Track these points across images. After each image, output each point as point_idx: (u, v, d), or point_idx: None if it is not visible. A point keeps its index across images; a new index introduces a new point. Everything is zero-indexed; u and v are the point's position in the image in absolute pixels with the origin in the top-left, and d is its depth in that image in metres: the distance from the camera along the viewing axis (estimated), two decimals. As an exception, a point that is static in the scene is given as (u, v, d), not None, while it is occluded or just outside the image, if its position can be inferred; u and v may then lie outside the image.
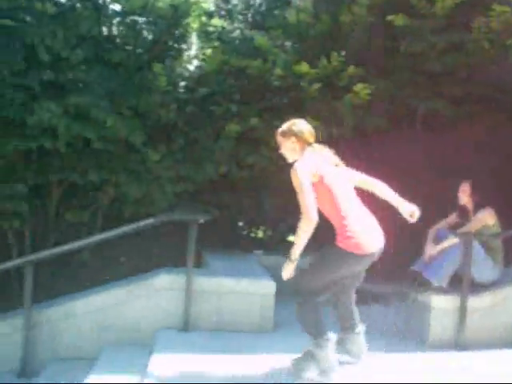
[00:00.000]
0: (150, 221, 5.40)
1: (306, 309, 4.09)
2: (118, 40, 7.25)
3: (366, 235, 3.99)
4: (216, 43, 7.45)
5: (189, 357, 4.58)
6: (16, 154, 6.70)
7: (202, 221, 5.37)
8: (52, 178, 6.92)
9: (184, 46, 7.48)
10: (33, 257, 5.57)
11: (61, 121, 6.27)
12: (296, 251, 3.93)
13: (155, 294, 5.44)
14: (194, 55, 7.51)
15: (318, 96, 6.52)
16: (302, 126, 4.16)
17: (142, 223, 5.46)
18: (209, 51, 7.21)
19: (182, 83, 7.20)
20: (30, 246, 7.27)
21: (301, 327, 4.15)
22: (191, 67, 7.27)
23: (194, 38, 7.64)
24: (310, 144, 4.13)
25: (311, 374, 4.11)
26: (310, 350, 4.10)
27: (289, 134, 4.12)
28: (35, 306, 5.56)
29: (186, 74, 7.17)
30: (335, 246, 3.95)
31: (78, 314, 5.53)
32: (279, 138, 4.18)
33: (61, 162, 6.86)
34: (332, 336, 4.11)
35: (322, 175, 3.97)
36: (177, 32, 7.33)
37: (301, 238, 3.86)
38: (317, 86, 6.39)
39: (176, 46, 7.36)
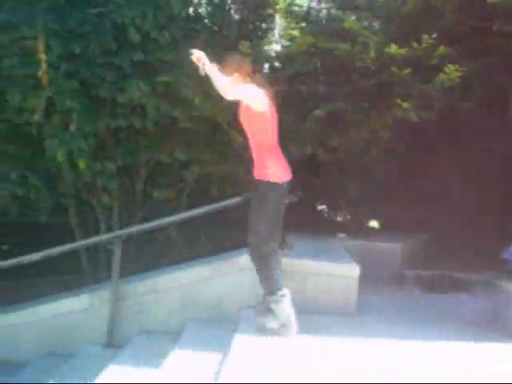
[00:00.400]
0: (237, 200, 5.43)
1: (262, 266, 4.46)
2: (205, 20, 7.29)
3: (281, 165, 4.46)
4: (302, 23, 7.37)
5: (271, 337, 4.58)
6: (106, 132, 6.88)
7: (286, 201, 5.36)
8: (141, 158, 7.07)
9: (271, 26, 7.44)
10: (121, 232, 5.72)
11: (150, 99, 6.38)
12: (210, 72, 4.25)
13: (239, 273, 5.49)
14: (280, 35, 7.45)
15: (408, 79, 6.37)
16: (240, 60, 4.55)
17: (228, 202, 5.50)
18: (295, 32, 7.14)
19: (269, 63, 7.17)
20: (117, 222, 7.48)
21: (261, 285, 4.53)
22: (277, 47, 7.22)
23: (279, 18, 7.58)
24: (249, 75, 4.45)
25: (273, 326, 4.44)
26: (268, 306, 4.43)
27: (232, 70, 4.40)
28: (122, 279, 5.71)
29: (273, 54, 7.13)
30: (261, 183, 4.36)
31: (163, 289, 5.65)
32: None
33: (149, 141, 7.00)
34: (286, 292, 4.46)
35: (265, 105, 4.33)
36: (264, 12, 7.30)
37: (216, 82, 4.23)
38: (407, 70, 6.24)
39: (263, 26, 7.33)
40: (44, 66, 6.20)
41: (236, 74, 4.41)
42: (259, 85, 4.43)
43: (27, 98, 6.58)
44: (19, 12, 6.63)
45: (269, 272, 4.48)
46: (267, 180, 4.35)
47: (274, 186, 4.36)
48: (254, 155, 4.49)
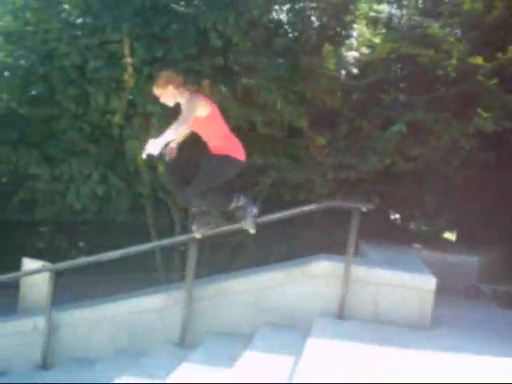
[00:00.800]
0: (313, 206, 5.39)
1: (213, 196, 5.06)
2: (285, 26, 7.31)
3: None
4: (383, 29, 7.28)
5: (343, 345, 4.55)
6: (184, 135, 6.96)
7: (364, 209, 5.31)
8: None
9: (351, 33, 7.38)
10: (197, 235, 5.78)
11: (231, 104, 6.42)
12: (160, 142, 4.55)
13: (312, 280, 5.46)
14: (360, 41, 7.37)
15: (493, 88, 6.21)
16: (169, 74, 4.97)
17: (305, 208, 5.47)
18: (376, 38, 7.05)
19: (348, 70, 7.11)
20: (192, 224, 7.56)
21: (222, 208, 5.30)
22: (357, 54, 7.15)
23: (361, 24, 7.50)
24: (183, 85, 4.94)
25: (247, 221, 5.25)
26: (237, 208, 5.22)
27: (164, 84, 4.86)
28: (195, 280, 5.75)
29: (352, 61, 7.07)
30: (229, 158, 5.03)
31: (236, 292, 5.68)
32: (158, 92, 4.91)
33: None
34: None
35: (211, 106, 4.90)
36: (345, 18, 7.25)
37: (173, 134, 4.65)
38: (494, 81, 6.08)
39: (344, 32, 7.28)
40: (130, 69, 6.34)
41: (170, 87, 4.86)
42: (193, 91, 4.95)
43: (110, 101, 6.75)
44: (105, 16, 6.82)
45: (219, 196, 5.17)
46: (235, 157, 5.07)
47: (239, 162, 5.11)
48: (219, 143, 5.07)
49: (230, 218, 5.40)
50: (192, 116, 4.73)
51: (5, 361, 6.23)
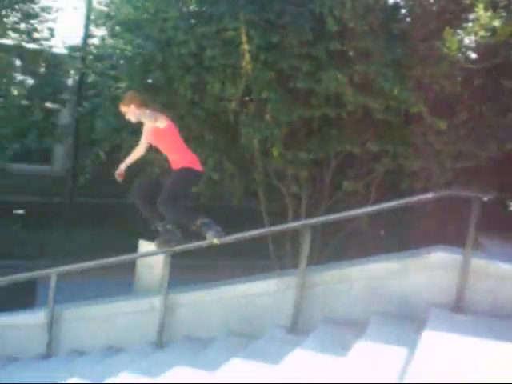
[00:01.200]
0: (430, 195, 5.23)
1: (177, 208, 5.57)
2: (403, 10, 7.13)
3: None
4: (502, 12, 6.96)
5: (460, 340, 4.38)
6: (299, 122, 6.97)
7: (485, 199, 5.10)
8: (332, 149, 7.06)
9: (470, 16, 7.10)
10: (314, 221, 5.77)
11: (347, 90, 6.34)
12: (127, 162, 5.80)
13: (428, 271, 5.30)
14: (479, 25, 7.08)
15: None
16: (132, 94, 5.72)
17: (422, 196, 5.32)
18: (496, 21, 6.75)
19: (467, 54, 6.85)
20: (305, 211, 7.57)
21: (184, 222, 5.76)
22: (477, 37, 6.88)
23: (479, 7, 7.20)
24: (145, 105, 5.58)
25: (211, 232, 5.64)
26: (201, 224, 5.61)
27: (127, 103, 5.54)
28: (308, 267, 5.70)
29: (473, 45, 6.81)
30: (189, 169, 5.62)
31: (350, 279, 5.59)
32: (123, 109, 5.60)
33: (341, 132, 6.97)
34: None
35: (169, 122, 5.55)
36: (464, 1, 6.98)
37: (133, 156, 5.78)
38: None
39: (462, 16, 7.01)
40: (247, 56, 6.39)
41: (132, 106, 5.51)
42: (155, 109, 5.63)
43: (226, 88, 6.84)
44: (221, 4, 6.90)
45: (184, 211, 5.72)
46: (196, 169, 5.68)
47: (199, 173, 5.77)
48: (177, 156, 5.70)
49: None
50: (151, 125, 5.46)
51: (122, 338, 6.51)
